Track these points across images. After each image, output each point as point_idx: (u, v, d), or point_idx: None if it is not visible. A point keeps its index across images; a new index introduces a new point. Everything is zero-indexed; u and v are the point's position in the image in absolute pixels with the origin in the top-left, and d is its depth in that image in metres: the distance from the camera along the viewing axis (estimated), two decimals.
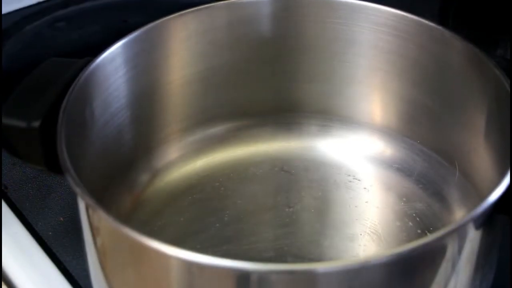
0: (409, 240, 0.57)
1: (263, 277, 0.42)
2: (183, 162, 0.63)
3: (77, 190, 0.46)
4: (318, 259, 0.56)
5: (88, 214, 0.47)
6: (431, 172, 0.60)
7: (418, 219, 0.58)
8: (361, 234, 0.58)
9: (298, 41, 0.62)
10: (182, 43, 0.60)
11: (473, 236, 0.45)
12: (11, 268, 0.59)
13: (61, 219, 0.63)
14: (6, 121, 0.51)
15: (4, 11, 0.84)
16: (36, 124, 0.50)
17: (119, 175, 0.59)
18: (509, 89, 0.51)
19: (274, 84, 0.63)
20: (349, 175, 0.62)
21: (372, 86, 0.62)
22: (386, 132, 0.63)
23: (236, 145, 0.64)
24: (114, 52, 0.56)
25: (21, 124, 0.51)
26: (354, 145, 0.63)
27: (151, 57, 0.59)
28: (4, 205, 0.64)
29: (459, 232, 0.44)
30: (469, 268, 0.46)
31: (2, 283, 0.58)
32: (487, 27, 0.81)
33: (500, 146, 0.52)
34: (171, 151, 0.62)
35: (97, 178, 0.54)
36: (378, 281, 0.43)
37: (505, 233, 0.52)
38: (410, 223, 0.58)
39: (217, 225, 0.58)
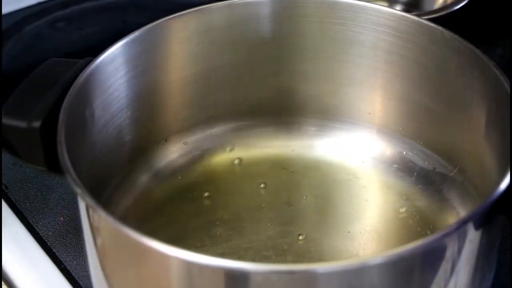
0: (409, 238, 0.57)
1: (263, 277, 0.42)
2: (183, 162, 0.63)
3: (77, 190, 0.46)
4: (318, 257, 0.56)
5: (88, 214, 0.47)
6: (431, 172, 0.60)
7: (418, 217, 0.58)
8: (361, 233, 0.58)
9: (298, 41, 0.62)
10: (182, 43, 0.60)
11: (473, 236, 0.45)
12: (11, 268, 0.59)
13: (61, 219, 0.63)
14: (6, 121, 0.51)
15: (4, 11, 0.84)
16: (37, 124, 0.50)
17: (119, 175, 0.59)
18: (509, 89, 0.51)
19: (274, 84, 0.63)
20: (349, 174, 0.62)
21: (372, 86, 0.62)
22: (386, 132, 0.63)
23: (236, 145, 0.64)
24: (114, 53, 0.56)
25: (22, 124, 0.51)
26: (354, 145, 0.63)
27: (151, 57, 0.59)
28: (4, 205, 0.64)
29: (459, 232, 0.44)
30: (468, 268, 0.46)
31: (2, 283, 0.58)
32: (487, 27, 0.81)
33: (500, 146, 0.52)
34: (171, 151, 0.63)
35: (97, 178, 0.54)
36: (378, 281, 0.43)
37: (505, 233, 0.52)
38: (410, 221, 0.58)
39: (217, 223, 0.58)
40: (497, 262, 0.51)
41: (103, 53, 0.55)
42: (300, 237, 0.58)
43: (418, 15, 0.61)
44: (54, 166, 0.50)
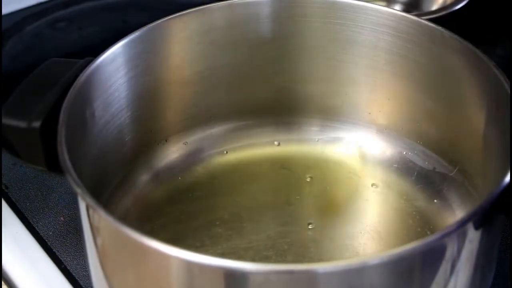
0: (409, 238, 0.57)
1: (263, 277, 0.42)
2: (183, 161, 0.63)
3: (78, 190, 0.46)
4: (318, 257, 0.56)
5: (88, 214, 0.47)
6: (431, 172, 0.60)
7: (418, 217, 0.58)
8: (361, 233, 0.58)
9: (298, 41, 0.62)
10: (183, 43, 0.60)
11: (473, 236, 0.45)
12: (11, 268, 0.59)
13: (62, 219, 0.63)
14: (6, 121, 0.51)
15: (4, 11, 0.84)
16: (37, 124, 0.50)
17: (119, 175, 0.59)
18: (509, 89, 0.51)
19: (274, 84, 0.63)
20: (349, 174, 0.62)
21: (372, 86, 0.62)
22: (386, 132, 0.63)
23: (236, 145, 0.64)
24: (115, 53, 0.56)
25: (22, 124, 0.51)
26: (354, 145, 0.63)
27: (152, 57, 0.59)
28: (4, 204, 0.64)
29: (459, 232, 0.44)
30: (468, 268, 0.46)
31: (2, 283, 0.58)
32: (487, 27, 0.81)
33: (500, 146, 0.52)
34: (171, 151, 0.63)
35: (97, 178, 0.54)
36: (378, 281, 0.43)
37: (505, 233, 0.52)
38: (410, 221, 0.58)
39: (217, 223, 0.58)
40: (497, 262, 0.51)
41: (103, 53, 0.55)
42: (300, 237, 0.58)
43: (418, 15, 0.61)
44: (54, 166, 0.50)
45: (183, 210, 0.60)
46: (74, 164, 0.47)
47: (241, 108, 0.64)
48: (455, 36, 0.56)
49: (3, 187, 0.65)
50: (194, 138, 0.63)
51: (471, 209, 0.45)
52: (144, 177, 0.61)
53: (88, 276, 0.52)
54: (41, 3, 0.86)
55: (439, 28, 0.57)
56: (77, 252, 0.60)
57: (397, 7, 0.83)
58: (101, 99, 0.55)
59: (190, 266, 0.43)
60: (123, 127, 0.58)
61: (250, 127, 0.64)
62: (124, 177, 0.59)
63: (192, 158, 0.63)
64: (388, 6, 0.81)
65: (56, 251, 0.60)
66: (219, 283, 0.43)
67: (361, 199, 0.61)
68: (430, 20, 0.58)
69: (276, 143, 0.64)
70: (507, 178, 0.45)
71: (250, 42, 0.62)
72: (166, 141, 0.62)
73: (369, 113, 0.63)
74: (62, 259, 0.60)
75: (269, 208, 0.60)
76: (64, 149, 0.48)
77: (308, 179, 0.62)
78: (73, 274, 0.58)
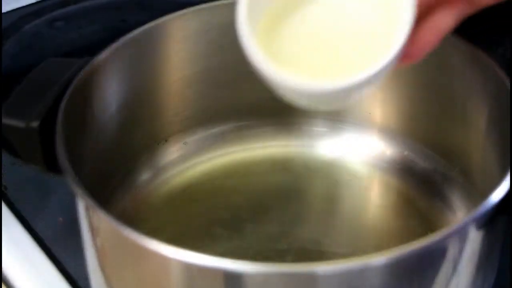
0: (410, 239, 0.57)
1: (263, 277, 0.42)
2: (184, 162, 0.63)
3: (77, 190, 0.46)
4: (319, 258, 0.56)
5: (88, 214, 0.47)
6: (431, 172, 0.60)
7: (418, 217, 0.58)
8: (361, 233, 0.58)
9: None
10: (182, 43, 0.60)
11: (474, 237, 0.45)
12: (11, 268, 0.59)
13: (61, 219, 0.63)
14: (5, 121, 0.51)
15: (3, 10, 0.84)
16: (36, 124, 0.50)
17: (119, 175, 0.59)
18: (510, 89, 0.51)
19: None
20: (350, 174, 0.62)
21: None
22: (386, 132, 0.63)
23: (237, 145, 0.64)
24: (114, 52, 0.56)
25: (21, 124, 0.51)
26: (354, 145, 0.63)
27: (151, 57, 0.59)
28: (3, 205, 0.64)
29: (460, 233, 0.44)
30: (470, 269, 0.46)
31: (2, 283, 0.58)
32: (487, 27, 0.81)
33: (501, 145, 0.52)
34: (172, 151, 0.63)
35: (96, 178, 0.54)
36: (379, 282, 0.43)
37: (506, 234, 0.52)
38: (411, 222, 0.58)
39: (217, 223, 0.58)
40: (499, 263, 0.51)
41: (102, 53, 0.55)
42: (300, 237, 0.58)
43: None
44: (53, 166, 0.50)
45: (183, 210, 0.60)
46: (73, 164, 0.47)
47: (241, 108, 0.63)
48: (456, 36, 0.56)
49: (2, 188, 0.65)
50: (194, 138, 0.63)
51: (472, 209, 0.45)
52: (144, 177, 0.61)
53: (87, 277, 0.52)
54: (39, 2, 0.86)
55: None
56: (76, 253, 0.59)
57: None
58: (100, 99, 0.55)
59: (190, 266, 0.43)
60: (122, 127, 0.58)
61: (250, 127, 0.64)
62: (124, 177, 0.59)
63: (192, 158, 0.63)
64: None
65: (55, 252, 0.60)
66: (219, 283, 0.43)
67: (361, 200, 0.61)
68: None
69: (275, 143, 0.64)
70: (508, 179, 0.45)
71: None
72: (166, 141, 0.62)
73: (369, 113, 0.63)
74: (61, 260, 0.59)
75: (269, 208, 0.60)
76: (63, 149, 0.48)
77: (308, 179, 0.62)
78: (72, 275, 0.58)
